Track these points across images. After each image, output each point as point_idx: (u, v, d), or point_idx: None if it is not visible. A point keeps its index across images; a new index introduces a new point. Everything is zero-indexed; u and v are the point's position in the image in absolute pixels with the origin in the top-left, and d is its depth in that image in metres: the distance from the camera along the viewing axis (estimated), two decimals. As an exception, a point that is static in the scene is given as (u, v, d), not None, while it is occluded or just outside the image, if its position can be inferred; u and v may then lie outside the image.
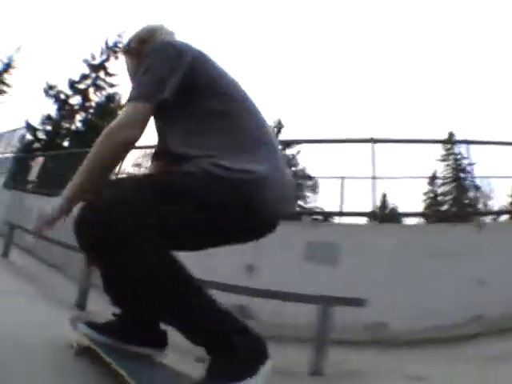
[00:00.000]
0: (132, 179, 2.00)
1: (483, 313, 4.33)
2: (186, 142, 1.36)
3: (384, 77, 54.73)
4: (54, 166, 9.48)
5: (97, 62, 32.43)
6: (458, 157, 25.36)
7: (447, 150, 26.88)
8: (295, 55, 74.71)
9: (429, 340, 4.06)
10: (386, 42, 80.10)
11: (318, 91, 70.94)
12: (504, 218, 6.65)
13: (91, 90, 31.61)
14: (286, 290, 3.21)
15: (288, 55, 78.14)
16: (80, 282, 3.93)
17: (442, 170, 26.92)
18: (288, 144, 25.54)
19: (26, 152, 13.70)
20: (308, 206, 21.45)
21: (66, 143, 25.42)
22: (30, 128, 23.83)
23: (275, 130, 26.50)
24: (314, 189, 18.08)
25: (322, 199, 14.43)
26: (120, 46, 31.16)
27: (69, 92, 29.95)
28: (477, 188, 7.73)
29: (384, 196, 24.67)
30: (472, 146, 6.90)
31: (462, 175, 24.14)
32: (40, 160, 9.99)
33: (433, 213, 20.35)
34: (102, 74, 32.17)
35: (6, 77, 35.33)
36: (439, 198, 26.72)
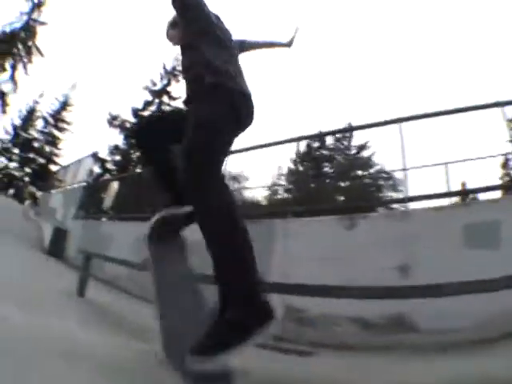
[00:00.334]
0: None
1: None
2: None
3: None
4: (127, 190, 8.69)
5: (158, 87, 33.09)
6: None
7: None
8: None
9: None
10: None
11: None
12: None
13: None
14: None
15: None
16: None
17: None
18: (362, 147, 23.94)
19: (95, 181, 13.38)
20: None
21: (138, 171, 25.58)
22: (98, 160, 24.07)
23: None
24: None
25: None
26: (179, 69, 32.11)
27: (133, 120, 30.63)
28: None
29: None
30: None
31: None
32: (113, 186, 9.28)
33: None
34: (165, 98, 32.75)
35: (65, 115, 36.91)
36: None
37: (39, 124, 35.92)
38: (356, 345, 3.20)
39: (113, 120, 28.76)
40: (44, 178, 24.13)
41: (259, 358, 2.08)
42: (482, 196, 4.42)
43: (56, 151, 35.87)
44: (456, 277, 1.71)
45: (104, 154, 25.88)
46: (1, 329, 1.79)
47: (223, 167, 1.72)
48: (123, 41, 75.13)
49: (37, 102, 36.05)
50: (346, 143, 25.76)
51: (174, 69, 33.21)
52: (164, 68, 33.76)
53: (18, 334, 1.78)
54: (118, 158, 27.10)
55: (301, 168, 23.06)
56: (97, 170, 21.83)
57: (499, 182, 6.91)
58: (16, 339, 1.66)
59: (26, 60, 33.50)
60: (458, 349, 2.72)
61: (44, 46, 43.96)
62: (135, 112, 30.94)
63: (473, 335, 2.83)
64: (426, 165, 4.72)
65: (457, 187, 5.28)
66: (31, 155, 34.54)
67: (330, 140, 25.92)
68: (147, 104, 32.13)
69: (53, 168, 30.58)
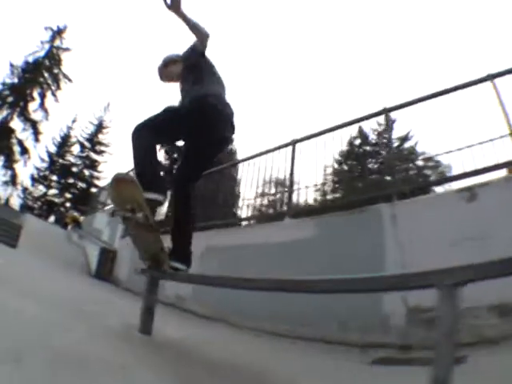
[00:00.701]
0: None
1: None
2: None
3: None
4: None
5: None
6: None
7: None
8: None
9: None
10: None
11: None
12: None
13: None
14: None
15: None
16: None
17: None
18: (404, 139, 23.03)
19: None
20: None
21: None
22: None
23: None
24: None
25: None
26: None
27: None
28: None
29: None
30: None
31: None
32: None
33: None
34: None
35: (101, 137, 36.81)
36: None
37: (76, 149, 35.96)
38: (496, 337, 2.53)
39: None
40: (86, 201, 23.81)
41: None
42: None
43: (96, 174, 35.79)
44: None
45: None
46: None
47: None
48: (150, 53, 75.81)
49: (70, 128, 36.12)
50: (387, 136, 24.40)
51: None
52: None
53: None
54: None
55: (345, 167, 22.79)
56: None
57: None
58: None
59: (54, 87, 33.91)
60: None
61: (72, 72, 44.87)
62: None
63: None
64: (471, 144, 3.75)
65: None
66: (71, 180, 34.56)
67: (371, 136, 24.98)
68: None
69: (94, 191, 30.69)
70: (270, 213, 5.54)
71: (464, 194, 3.20)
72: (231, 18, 79.25)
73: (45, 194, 33.38)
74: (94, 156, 36.23)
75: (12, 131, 31.27)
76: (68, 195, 34.27)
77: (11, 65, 31.92)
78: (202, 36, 2.63)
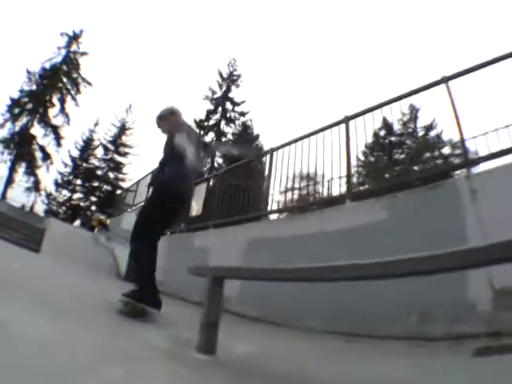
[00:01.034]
0: None
1: None
2: None
3: None
4: (220, 191, 6.91)
5: (218, 95, 32.72)
6: None
7: None
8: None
9: None
10: None
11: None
12: None
13: (223, 123, 31.88)
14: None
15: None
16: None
17: None
18: (429, 128, 22.31)
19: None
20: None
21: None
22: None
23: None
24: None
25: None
26: (235, 73, 33.37)
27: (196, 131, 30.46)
28: None
29: None
30: None
31: None
32: (200, 189, 7.52)
33: None
34: (228, 105, 32.36)
35: (125, 139, 36.72)
36: None
37: (99, 152, 35.94)
38: None
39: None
40: (112, 204, 23.62)
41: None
42: None
43: (121, 176, 35.69)
44: None
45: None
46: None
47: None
48: (172, 53, 75.67)
49: (93, 131, 36.11)
50: (412, 126, 24.27)
51: (231, 74, 33.12)
52: (220, 75, 33.65)
53: None
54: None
55: (372, 158, 22.72)
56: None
57: None
58: None
59: (73, 92, 33.95)
60: None
61: (91, 75, 45.06)
62: (199, 123, 31.03)
63: None
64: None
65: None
66: (95, 184, 34.61)
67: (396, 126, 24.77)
68: (210, 113, 32.14)
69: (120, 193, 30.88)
70: (325, 197, 4.85)
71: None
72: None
73: (69, 199, 33.48)
74: (118, 158, 36.19)
75: (33, 137, 31.45)
76: (93, 198, 34.28)
77: (28, 72, 32.17)
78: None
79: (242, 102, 32.98)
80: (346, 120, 4.52)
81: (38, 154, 31.82)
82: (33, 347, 1.43)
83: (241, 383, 1.63)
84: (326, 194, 4.61)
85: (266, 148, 19.96)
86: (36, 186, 31.70)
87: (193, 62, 74.50)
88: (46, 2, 50.73)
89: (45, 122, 32.03)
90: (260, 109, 67.70)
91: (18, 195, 30.11)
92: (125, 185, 32.25)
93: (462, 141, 3.37)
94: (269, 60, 75.09)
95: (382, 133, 23.94)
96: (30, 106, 31.44)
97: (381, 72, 70.11)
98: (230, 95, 33.11)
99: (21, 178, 31.20)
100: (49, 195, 32.63)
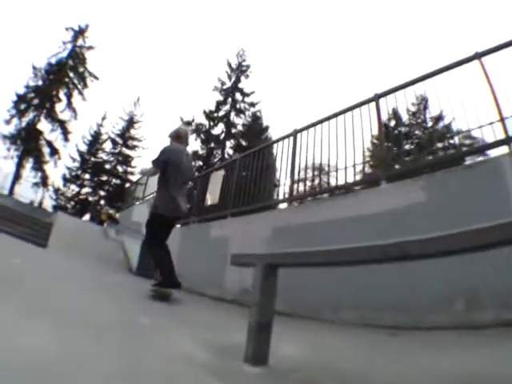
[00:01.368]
0: None
1: None
2: None
3: None
4: (235, 177, 6.48)
5: (227, 85, 32.36)
6: None
7: None
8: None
9: None
10: None
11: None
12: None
13: (232, 114, 31.56)
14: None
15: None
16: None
17: None
18: (438, 118, 21.92)
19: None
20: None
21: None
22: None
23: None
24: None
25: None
26: (244, 64, 33.34)
27: (205, 123, 30.39)
28: None
29: None
30: None
31: None
32: (217, 177, 7.08)
33: None
34: (237, 96, 31.99)
35: (133, 132, 36.34)
36: None
37: (107, 146, 35.55)
38: None
39: (187, 125, 28.00)
40: (121, 197, 23.33)
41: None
42: None
43: (130, 169, 35.25)
44: None
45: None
46: None
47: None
48: (180, 44, 74.89)
49: (100, 125, 35.70)
50: (422, 117, 23.83)
51: (240, 65, 32.81)
52: (229, 65, 33.30)
53: None
54: (199, 163, 26.35)
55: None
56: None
57: None
58: None
59: (80, 86, 33.59)
60: None
61: (98, 69, 44.64)
62: (208, 114, 30.74)
63: None
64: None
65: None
66: (104, 178, 34.31)
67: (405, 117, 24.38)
68: (220, 104, 31.88)
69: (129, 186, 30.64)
70: (359, 179, 4.51)
71: None
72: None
73: (78, 193, 33.17)
74: (126, 151, 35.69)
75: (40, 133, 31.15)
76: (102, 192, 33.97)
77: (34, 67, 31.78)
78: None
79: (252, 93, 32.51)
80: (377, 98, 4.36)
81: (46, 150, 31.53)
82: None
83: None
84: (357, 177, 4.25)
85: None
86: (44, 182, 31.45)
87: (201, 53, 73.36)
88: (51, -3, 49.80)
89: (52, 117, 31.71)
90: (270, 100, 66.86)
91: (25, 191, 29.92)
92: (134, 178, 31.91)
93: (502, 118, 3.13)
94: (278, 50, 73.86)
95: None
96: (36, 101, 31.07)
97: (396, 58, 68.74)
98: (240, 86, 32.71)
99: (28, 173, 30.98)
100: (57, 190, 32.36)
